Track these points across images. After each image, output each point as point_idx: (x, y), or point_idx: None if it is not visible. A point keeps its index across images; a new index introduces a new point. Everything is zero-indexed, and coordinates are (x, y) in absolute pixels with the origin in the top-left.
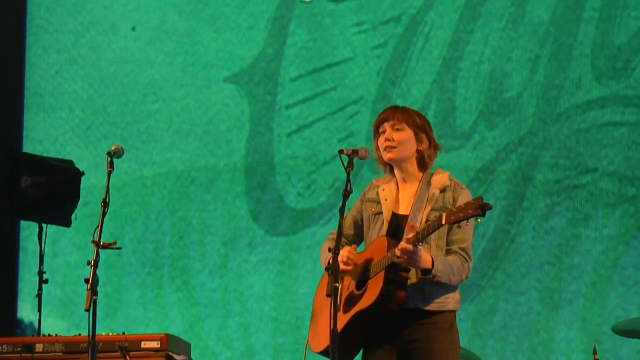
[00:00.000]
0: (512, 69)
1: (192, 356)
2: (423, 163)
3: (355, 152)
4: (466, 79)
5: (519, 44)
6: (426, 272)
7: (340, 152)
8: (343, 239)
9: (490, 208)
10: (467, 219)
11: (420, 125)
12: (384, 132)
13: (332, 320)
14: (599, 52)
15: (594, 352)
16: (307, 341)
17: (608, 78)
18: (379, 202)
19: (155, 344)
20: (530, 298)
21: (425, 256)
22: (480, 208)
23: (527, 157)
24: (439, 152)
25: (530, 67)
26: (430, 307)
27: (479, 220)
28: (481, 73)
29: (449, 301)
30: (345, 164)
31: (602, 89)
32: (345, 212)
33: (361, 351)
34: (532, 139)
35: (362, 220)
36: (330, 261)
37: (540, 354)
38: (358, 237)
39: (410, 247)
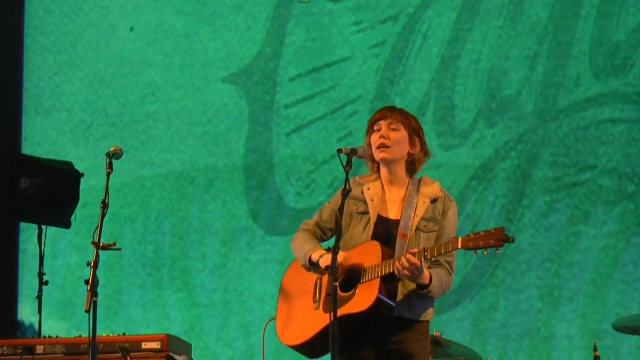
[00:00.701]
0: (511, 66)
1: (192, 356)
2: (412, 167)
3: (353, 151)
4: (465, 77)
5: (517, 42)
6: (422, 287)
7: (339, 151)
8: (319, 232)
9: (513, 241)
10: (486, 249)
11: (415, 128)
12: (378, 130)
13: (332, 320)
14: (597, 49)
15: (595, 349)
16: (270, 320)
17: (606, 75)
18: (364, 201)
19: (155, 345)
20: (530, 295)
21: (425, 272)
22: (503, 240)
23: (526, 155)
24: (428, 158)
25: (529, 64)
26: (414, 317)
27: (498, 251)
28: (480, 71)
29: (428, 312)
30: (344, 163)
31: (600, 86)
32: (343, 212)
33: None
34: (531, 137)
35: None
36: (313, 257)
37: (541, 352)
38: (340, 234)
39: (419, 263)
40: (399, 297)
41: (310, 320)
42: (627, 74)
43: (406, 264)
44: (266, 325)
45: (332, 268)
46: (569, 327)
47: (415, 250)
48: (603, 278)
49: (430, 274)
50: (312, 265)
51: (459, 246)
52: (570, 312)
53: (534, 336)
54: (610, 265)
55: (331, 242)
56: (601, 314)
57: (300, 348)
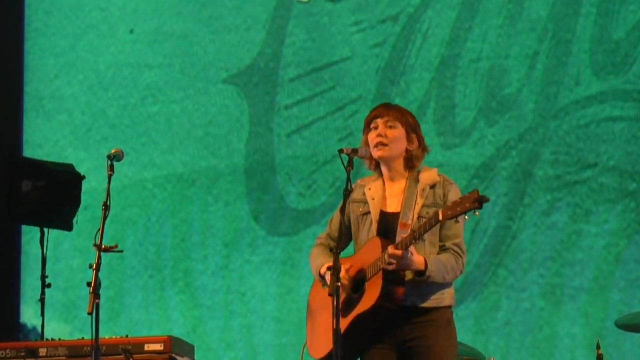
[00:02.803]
0: (511, 65)
1: (195, 358)
2: (411, 163)
3: (355, 151)
4: (465, 76)
5: (517, 41)
6: (420, 273)
7: (340, 151)
8: (330, 241)
9: (487, 200)
10: (465, 213)
11: (412, 125)
12: (375, 128)
13: (334, 320)
14: (597, 47)
15: (598, 347)
16: (305, 345)
17: (607, 73)
18: (366, 202)
19: (158, 346)
20: (532, 294)
21: (418, 258)
22: (477, 201)
23: (527, 154)
24: (426, 154)
25: (529, 63)
26: (427, 303)
27: (477, 213)
28: (480, 70)
29: (444, 297)
30: (345, 163)
31: (601, 84)
32: (345, 213)
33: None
34: (531, 135)
35: (349, 221)
36: (321, 271)
37: (543, 350)
38: (345, 238)
39: (399, 252)
40: (408, 284)
41: (331, 328)
42: (627, 72)
43: (387, 259)
44: (303, 350)
45: (334, 268)
46: (572, 326)
47: (405, 236)
48: (605, 276)
49: (425, 259)
50: (323, 280)
51: (440, 217)
52: (572, 310)
53: (536, 335)
54: (612, 263)
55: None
56: (603, 312)
57: (328, 358)
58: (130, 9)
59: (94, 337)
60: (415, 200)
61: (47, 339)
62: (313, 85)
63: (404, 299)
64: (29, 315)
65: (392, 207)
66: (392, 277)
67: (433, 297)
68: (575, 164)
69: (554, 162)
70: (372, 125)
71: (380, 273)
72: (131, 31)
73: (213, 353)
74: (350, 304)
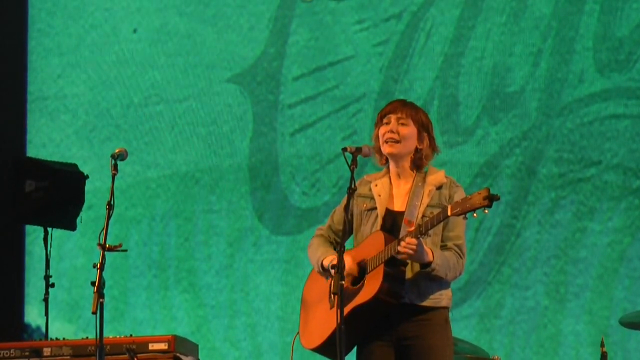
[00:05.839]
0: (515, 63)
1: (199, 357)
2: (419, 163)
3: (358, 149)
4: (468, 74)
5: (520, 39)
6: (425, 265)
7: (344, 150)
8: (333, 235)
9: (498, 199)
10: (474, 210)
11: (424, 124)
12: (387, 123)
13: (339, 318)
14: (601, 44)
15: (602, 345)
16: (296, 336)
17: (610, 70)
18: (372, 198)
19: (162, 346)
20: (536, 292)
21: (427, 249)
22: (488, 199)
23: (531, 152)
24: (436, 154)
25: (533, 61)
26: (425, 302)
27: (486, 211)
28: (483, 68)
29: (442, 297)
30: (349, 162)
31: (604, 82)
32: (349, 210)
33: (355, 348)
34: (535, 133)
35: (351, 215)
36: (324, 264)
37: (548, 348)
38: (347, 234)
39: (415, 240)
40: (407, 282)
41: (327, 320)
42: (630, 69)
43: (401, 249)
44: (294, 340)
45: (338, 267)
46: (576, 324)
47: (412, 228)
48: (609, 274)
49: (432, 251)
50: (325, 271)
51: (449, 213)
52: (576, 308)
53: (540, 333)
54: (616, 260)
55: (349, 244)
56: (608, 309)
57: (321, 349)
58: (134, 9)
59: (98, 337)
60: (421, 200)
61: (51, 339)
62: (316, 84)
63: (403, 296)
64: (33, 315)
65: (398, 205)
66: (392, 272)
67: (432, 296)
68: (579, 161)
69: (558, 160)
70: (384, 120)
71: (382, 267)
72: (135, 31)
73: (217, 352)
74: (348, 296)
